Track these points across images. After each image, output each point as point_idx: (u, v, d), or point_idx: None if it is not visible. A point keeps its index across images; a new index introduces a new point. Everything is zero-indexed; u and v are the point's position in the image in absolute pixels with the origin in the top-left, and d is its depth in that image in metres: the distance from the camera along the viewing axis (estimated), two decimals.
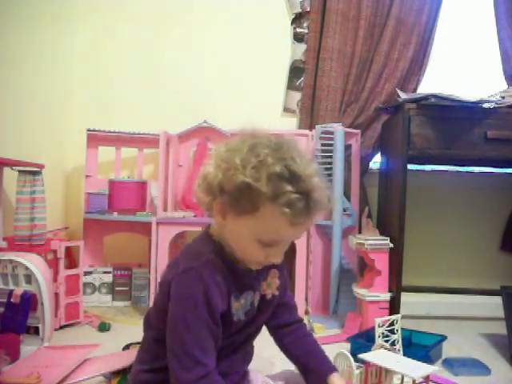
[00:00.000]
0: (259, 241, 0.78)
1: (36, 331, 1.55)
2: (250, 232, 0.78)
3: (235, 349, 0.89)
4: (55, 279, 1.77)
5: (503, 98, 1.94)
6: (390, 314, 1.73)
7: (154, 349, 0.86)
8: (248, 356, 0.95)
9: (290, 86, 2.46)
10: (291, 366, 1.00)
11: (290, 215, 0.74)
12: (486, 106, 1.87)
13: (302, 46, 2.44)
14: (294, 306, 1.03)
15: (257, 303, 0.89)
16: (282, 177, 0.74)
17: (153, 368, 0.86)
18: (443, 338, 1.67)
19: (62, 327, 1.79)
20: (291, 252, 2.28)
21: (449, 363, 1.55)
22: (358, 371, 1.20)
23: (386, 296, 1.86)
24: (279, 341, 1.00)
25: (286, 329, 0.99)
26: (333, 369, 0.95)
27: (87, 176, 2.23)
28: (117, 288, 2.21)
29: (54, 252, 1.79)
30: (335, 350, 1.28)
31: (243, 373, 0.94)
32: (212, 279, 0.79)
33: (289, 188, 0.73)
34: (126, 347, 1.54)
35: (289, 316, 1.00)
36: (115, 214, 2.14)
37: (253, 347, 0.96)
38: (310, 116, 2.39)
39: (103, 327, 1.80)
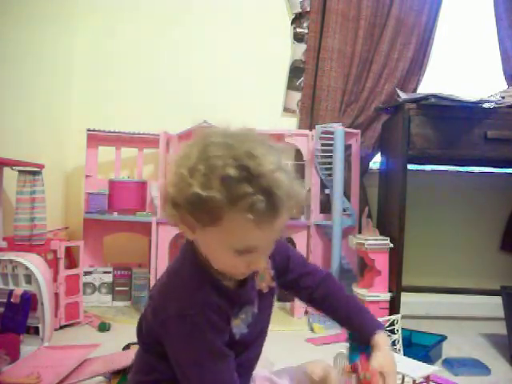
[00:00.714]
0: (234, 250, 0.70)
1: (36, 331, 1.55)
2: (221, 244, 0.70)
3: (249, 365, 0.87)
4: (55, 279, 1.77)
5: (503, 98, 1.94)
6: (390, 314, 1.73)
7: (149, 360, 0.84)
8: (258, 356, 0.92)
9: (290, 86, 2.46)
10: (292, 365, 1.00)
11: (255, 219, 0.65)
12: (486, 106, 1.87)
13: (302, 46, 2.44)
14: (312, 270, 0.96)
15: (257, 309, 0.85)
16: (237, 179, 0.65)
17: (150, 380, 0.84)
18: (443, 337, 1.67)
19: (62, 327, 1.79)
20: None
21: (449, 363, 1.55)
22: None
23: (386, 296, 1.86)
24: (310, 302, 0.96)
25: (312, 289, 0.94)
26: (376, 327, 0.89)
27: (87, 176, 2.23)
28: (117, 288, 2.21)
29: (54, 252, 1.79)
30: (335, 350, 1.28)
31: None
32: (209, 323, 0.74)
33: (247, 190, 0.65)
34: (126, 347, 1.53)
35: (312, 280, 0.95)
36: (115, 214, 2.14)
37: (262, 346, 0.92)
38: (310, 116, 2.39)
39: (103, 327, 1.80)
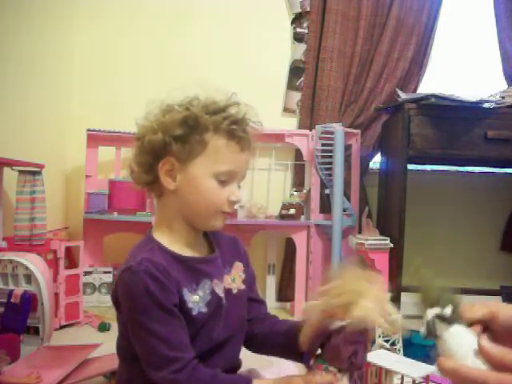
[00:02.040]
0: (217, 177, 0.81)
1: (36, 331, 1.54)
2: (206, 171, 0.80)
3: (213, 352, 0.83)
4: (55, 279, 1.77)
5: (503, 98, 1.94)
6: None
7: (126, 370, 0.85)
8: (232, 362, 0.89)
9: (290, 86, 2.46)
10: (291, 365, 1.00)
11: (234, 139, 0.81)
12: (486, 105, 1.87)
13: (302, 46, 2.44)
14: (261, 300, 0.98)
15: (222, 294, 0.85)
16: (214, 108, 0.81)
17: None
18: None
19: (62, 327, 1.79)
20: (291, 252, 2.28)
21: None
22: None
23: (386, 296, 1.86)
24: (251, 337, 0.92)
25: (256, 321, 0.93)
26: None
27: (87, 176, 2.23)
28: None
29: (54, 252, 1.79)
30: None
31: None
32: (148, 275, 0.75)
33: (223, 114, 0.81)
34: None
35: (257, 311, 0.95)
36: (115, 214, 2.14)
37: (237, 355, 0.90)
38: (309, 116, 2.39)
39: (103, 327, 1.80)
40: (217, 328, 0.83)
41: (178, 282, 0.79)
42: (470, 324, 0.62)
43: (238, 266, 0.91)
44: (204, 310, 0.81)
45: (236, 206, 0.93)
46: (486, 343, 0.54)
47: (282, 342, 0.87)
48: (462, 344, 0.57)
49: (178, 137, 0.80)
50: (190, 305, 0.80)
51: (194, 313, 0.80)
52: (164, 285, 0.76)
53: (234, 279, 0.88)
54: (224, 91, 0.85)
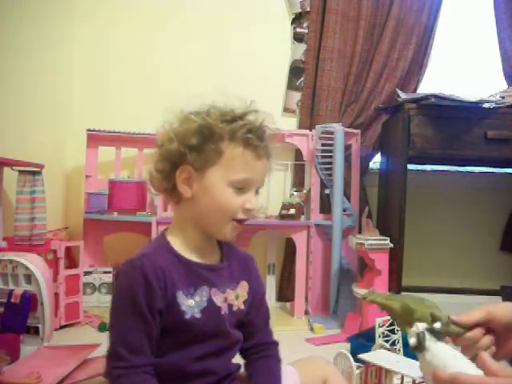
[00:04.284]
0: (233, 185, 0.81)
1: (36, 331, 1.55)
2: (222, 179, 0.81)
3: (209, 359, 0.83)
4: (55, 279, 1.77)
5: (503, 98, 1.94)
6: None
7: None
8: (228, 368, 0.87)
9: (290, 86, 2.46)
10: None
11: (250, 148, 0.81)
12: (486, 106, 1.87)
13: (302, 46, 2.44)
14: (261, 325, 0.93)
15: (220, 304, 0.84)
16: (231, 116, 0.82)
17: None
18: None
19: (62, 327, 1.79)
20: (291, 252, 2.28)
21: None
22: (358, 371, 1.20)
23: None
24: (245, 366, 0.91)
25: (251, 352, 0.92)
26: None
27: (87, 176, 2.23)
28: None
29: (54, 252, 1.79)
30: (335, 349, 1.28)
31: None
32: (140, 274, 0.77)
33: (240, 122, 0.81)
34: None
35: (255, 338, 0.92)
36: (115, 214, 2.14)
37: (230, 363, 0.88)
38: (309, 116, 2.39)
39: (103, 327, 1.80)
40: (216, 337, 0.83)
41: (174, 284, 0.79)
42: (470, 328, 0.63)
43: (244, 286, 0.90)
44: (198, 315, 0.81)
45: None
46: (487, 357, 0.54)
47: None
48: (449, 355, 0.59)
49: (193, 146, 0.81)
50: (184, 308, 0.80)
51: (187, 316, 0.80)
52: (151, 287, 0.77)
53: (237, 297, 0.88)
54: (243, 98, 0.86)
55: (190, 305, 0.80)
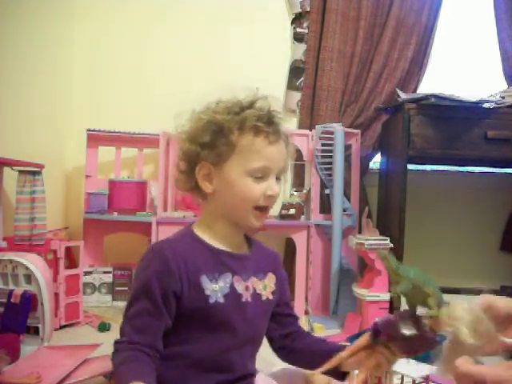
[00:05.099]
0: (251, 175, 0.82)
1: (36, 331, 1.54)
2: (239, 170, 0.82)
3: (233, 351, 0.85)
4: (55, 279, 1.77)
5: (503, 98, 1.94)
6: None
7: None
8: (246, 368, 0.89)
9: (290, 85, 2.46)
10: (292, 366, 1.00)
11: (262, 132, 0.82)
12: (486, 106, 1.87)
13: (302, 46, 2.44)
14: (296, 316, 1.01)
15: (241, 291, 0.86)
16: (239, 107, 0.84)
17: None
18: (443, 337, 1.67)
19: (62, 327, 1.79)
20: (291, 252, 2.28)
21: None
22: (357, 371, 1.20)
23: (386, 296, 1.86)
24: (283, 349, 0.96)
25: (290, 338, 0.96)
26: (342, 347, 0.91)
27: (87, 176, 2.23)
28: (117, 288, 2.21)
29: (54, 252, 1.79)
30: None
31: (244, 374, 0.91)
32: (158, 257, 0.81)
33: (247, 112, 0.83)
34: None
35: (294, 326, 0.98)
36: (115, 214, 2.14)
37: (251, 362, 0.91)
38: (309, 116, 2.39)
39: (103, 327, 1.80)
40: (238, 326, 0.84)
41: (198, 268, 0.82)
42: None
43: (271, 278, 0.93)
44: (221, 300, 0.82)
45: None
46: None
47: (325, 361, 0.89)
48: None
49: (205, 143, 0.83)
50: (208, 292, 0.81)
51: (211, 301, 0.81)
52: (169, 269, 0.79)
53: (265, 287, 0.91)
54: (248, 88, 0.87)
55: (215, 289, 0.82)
